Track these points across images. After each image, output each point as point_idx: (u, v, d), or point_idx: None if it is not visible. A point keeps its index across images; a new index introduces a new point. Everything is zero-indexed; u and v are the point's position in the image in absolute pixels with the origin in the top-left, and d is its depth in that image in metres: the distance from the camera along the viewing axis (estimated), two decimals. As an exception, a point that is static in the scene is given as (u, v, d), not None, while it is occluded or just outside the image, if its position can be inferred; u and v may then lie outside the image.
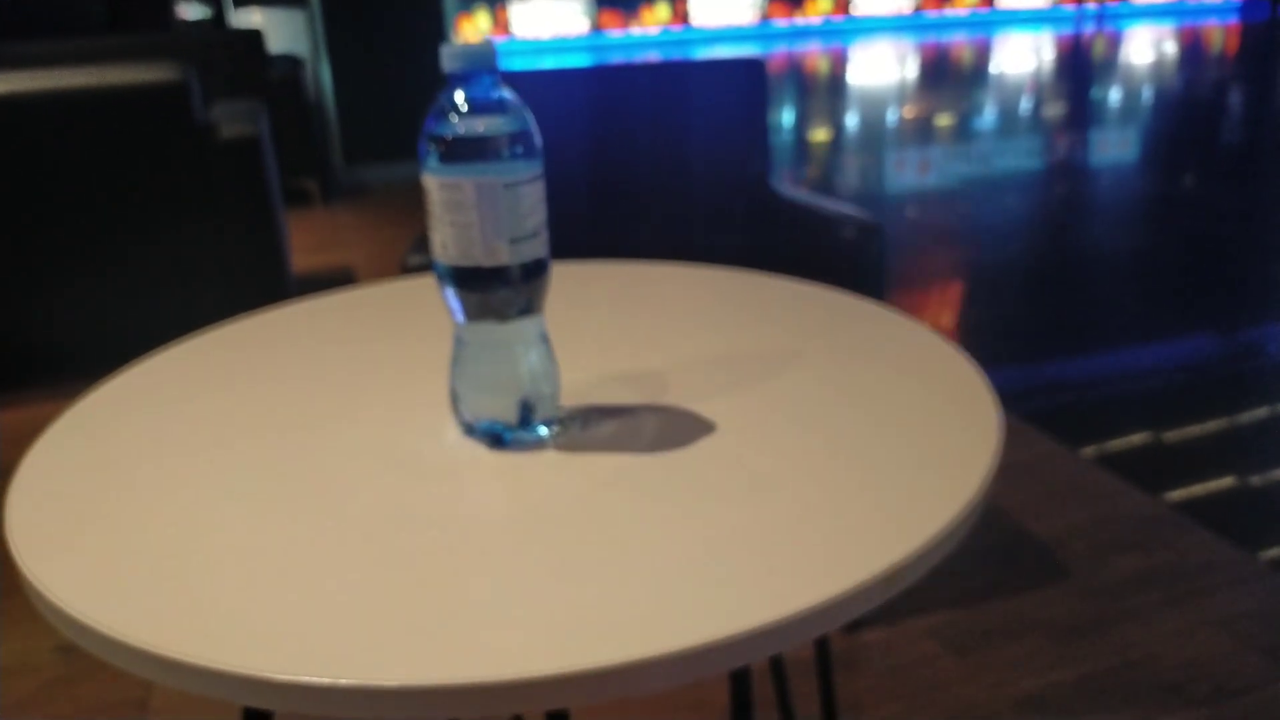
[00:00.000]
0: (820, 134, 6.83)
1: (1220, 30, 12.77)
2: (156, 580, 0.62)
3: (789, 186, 2.03)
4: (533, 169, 0.72)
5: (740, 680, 0.90)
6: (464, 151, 0.71)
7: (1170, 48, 11.24)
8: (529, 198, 0.72)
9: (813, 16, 13.99)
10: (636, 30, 13.29)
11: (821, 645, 1.35)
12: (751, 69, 2.04)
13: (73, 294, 2.98)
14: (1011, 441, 2.43)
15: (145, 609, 0.59)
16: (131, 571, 0.63)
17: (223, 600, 0.60)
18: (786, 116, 7.53)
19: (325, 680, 0.53)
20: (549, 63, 10.42)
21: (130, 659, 0.57)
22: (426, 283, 1.20)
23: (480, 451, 0.77)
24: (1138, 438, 2.45)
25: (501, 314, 0.75)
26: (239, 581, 0.62)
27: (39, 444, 0.82)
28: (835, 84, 9.46)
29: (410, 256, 1.59)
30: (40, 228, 2.88)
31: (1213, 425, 2.51)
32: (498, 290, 0.73)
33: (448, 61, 0.70)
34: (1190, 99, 7.79)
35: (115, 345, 3.03)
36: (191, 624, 0.58)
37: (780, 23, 13.85)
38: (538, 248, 0.74)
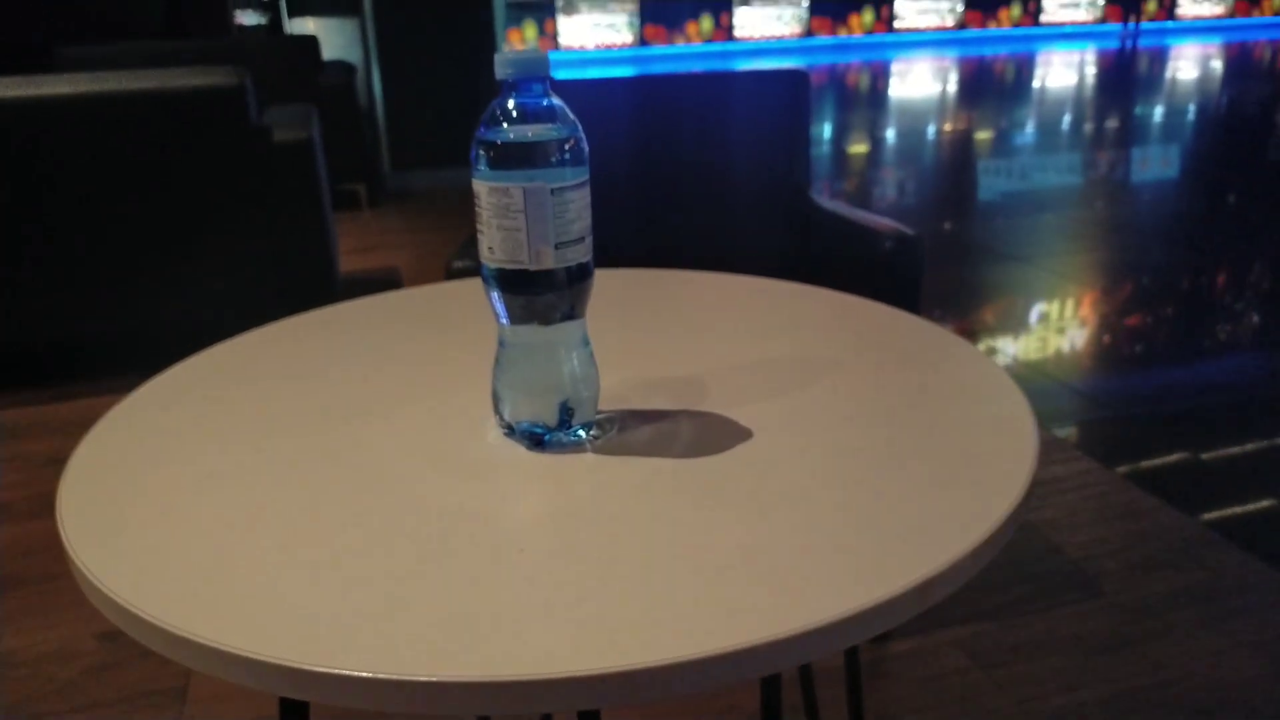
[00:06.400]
0: (860, 147, 6.81)
1: (1269, 48, 12.62)
2: (200, 570, 0.64)
3: (827, 198, 2.03)
4: (580, 175, 0.74)
5: (770, 686, 0.90)
6: (513, 157, 0.72)
7: (1216, 64, 11.12)
8: (575, 203, 0.74)
9: (856, 31, 13.96)
10: (680, 42, 13.31)
11: (850, 654, 1.36)
12: (794, 80, 2.04)
13: (126, 291, 3.03)
14: (1046, 457, 2.41)
15: (189, 598, 0.61)
16: (177, 561, 0.65)
17: (264, 591, 0.61)
18: (827, 129, 7.52)
19: (362, 673, 0.54)
20: (594, 74, 10.47)
21: (172, 646, 0.59)
22: (470, 286, 1.22)
23: (520, 452, 0.78)
24: (1174, 456, 2.43)
25: (545, 317, 0.76)
26: (281, 573, 0.63)
27: (90, 436, 0.84)
28: (876, 97, 9.44)
29: (455, 260, 1.61)
30: (98, 226, 2.94)
31: (1251, 446, 2.49)
32: (542, 294, 0.75)
33: (501, 69, 0.72)
34: (1234, 117, 7.71)
35: (167, 341, 3.06)
36: (233, 614, 0.59)
37: (823, 37, 13.82)
38: (582, 253, 0.76)
